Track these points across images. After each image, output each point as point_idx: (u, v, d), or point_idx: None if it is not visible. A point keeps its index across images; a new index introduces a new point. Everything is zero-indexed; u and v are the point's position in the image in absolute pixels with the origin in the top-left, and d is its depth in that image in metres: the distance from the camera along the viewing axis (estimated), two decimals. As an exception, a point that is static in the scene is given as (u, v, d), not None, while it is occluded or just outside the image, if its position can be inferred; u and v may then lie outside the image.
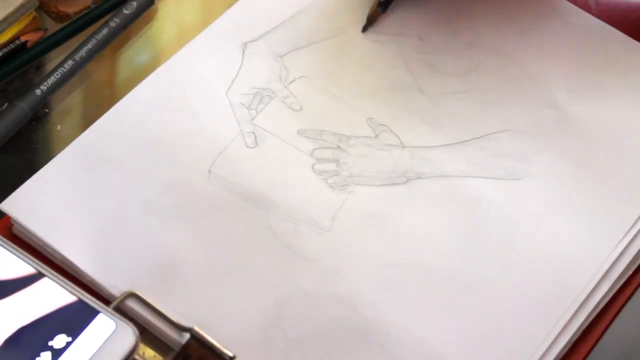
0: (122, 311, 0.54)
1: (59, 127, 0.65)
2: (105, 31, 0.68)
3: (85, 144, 0.60)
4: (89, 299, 0.53)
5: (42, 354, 0.51)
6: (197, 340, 0.54)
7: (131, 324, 0.52)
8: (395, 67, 0.66)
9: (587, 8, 0.70)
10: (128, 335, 0.52)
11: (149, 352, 0.55)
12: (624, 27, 0.69)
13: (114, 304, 0.54)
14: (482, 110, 0.64)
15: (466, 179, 0.61)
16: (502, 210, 0.60)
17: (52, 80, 0.65)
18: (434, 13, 0.68)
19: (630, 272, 0.59)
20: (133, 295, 0.55)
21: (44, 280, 0.53)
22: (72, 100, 0.66)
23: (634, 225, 0.60)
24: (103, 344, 0.51)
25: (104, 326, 0.52)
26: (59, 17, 0.69)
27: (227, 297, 0.56)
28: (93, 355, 0.51)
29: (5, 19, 0.66)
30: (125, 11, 0.68)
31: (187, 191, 0.59)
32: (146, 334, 0.55)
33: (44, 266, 0.54)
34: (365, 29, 0.67)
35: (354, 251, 0.58)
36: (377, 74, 0.66)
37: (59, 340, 0.51)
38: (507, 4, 0.70)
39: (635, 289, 0.59)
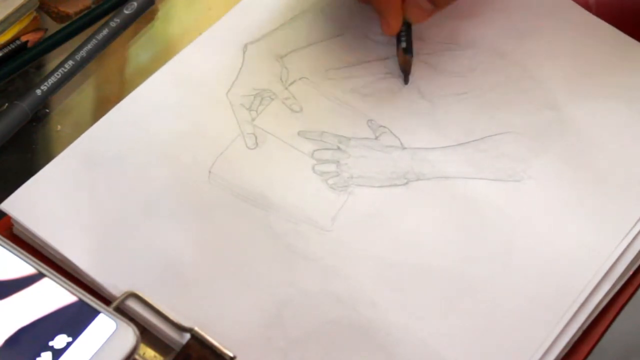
0: (122, 311, 0.54)
1: (59, 127, 0.65)
2: (105, 31, 0.68)
3: (86, 145, 0.60)
4: (90, 299, 0.53)
5: (42, 354, 0.51)
6: (197, 340, 0.54)
7: (132, 324, 0.52)
8: (396, 68, 0.66)
9: (587, 7, 0.70)
10: (128, 335, 0.52)
11: (150, 352, 0.55)
12: (624, 26, 0.69)
13: (114, 304, 0.54)
14: (482, 112, 0.65)
15: (466, 181, 0.62)
16: (502, 212, 0.60)
17: (52, 80, 0.65)
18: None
19: (630, 273, 0.59)
20: (133, 296, 0.55)
21: (45, 280, 0.53)
22: (72, 101, 0.66)
23: (634, 226, 0.60)
24: (103, 344, 0.51)
25: (105, 326, 0.52)
26: (59, 17, 0.69)
27: (228, 297, 0.56)
28: (93, 356, 0.51)
29: (6, 19, 0.66)
30: (126, 11, 0.68)
31: (187, 192, 0.59)
32: (147, 334, 0.55)
33: (45, 266, 0.54)
34: (406, 80, 0.65)
35: (354, 252, 0.58)
36: (378, 75, 0.66)
37: (60, 341, 0.51)
38: (507, 4, 0.70)
39: (636, 290, 0.59)
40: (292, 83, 0.65)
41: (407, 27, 0.66)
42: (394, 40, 0.67)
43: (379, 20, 0.66)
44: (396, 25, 0.65)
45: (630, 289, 0.59)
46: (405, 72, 0.66)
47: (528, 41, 0.68)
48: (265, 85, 0.64)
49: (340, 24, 0.68)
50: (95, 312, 0.52)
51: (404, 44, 0.66)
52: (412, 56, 0.66)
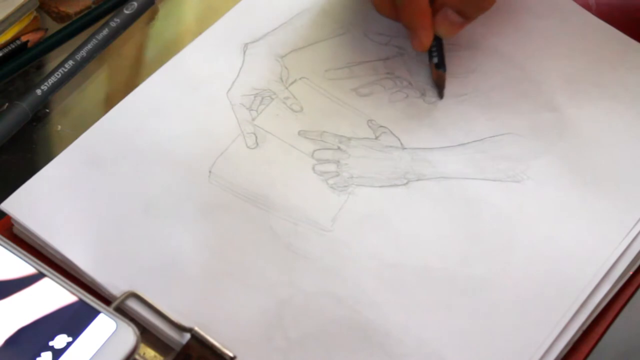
0: (122, 311, 0.54)
1: (59, 127, 0.65)
2: (105, 31, 0.68)
3: (86, 144, 0.60)
4: (90, 299, 0.53)
5: (42, 354, 0.51)
6: (197, 340, 0.54)
7: (132, 324, 0.52)
8: (396, 67, 0.66)
9: (587, 8, 0.70)
10: (129, 335, 0.52)
11: (150, 352, 0.55)
12: (624, 27, 0.69)
13: (114, 304, 0.54)
14: (482, 113, 0.65)
15: (466, 181, 0.62)
16: (502, 212, 0.60)
17: (52, 80, 0.65)
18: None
19: (630, 273, 0.59)
20: (133, 295, 0.55)
21: (45, 280, 0.53)
22: (72, 101, 0.66)
23: (634, 226, 0.60)
24: (104, 344, 0.51)
25: (105, 326, 0.52)
26: (59, 17, 0.69)
27: (228, 297, 0.56)
28: (94, 356, 0.51)
29: (6, 18, 0.66)
30: (126, 11, 0.69)
31: (187, 192, 0.59)
32: (147, 334, 0.55)
33: (45, 266, 0.54)
34: (441, 95, 0.64)
35: (354, 252, 0.58)
36: (378, 75, 0.66)
37: (60, 341, 0.51)
38: (507, 4, 0.70)
39: (636, 290, 0.59)
40: (292, 83, 0.65)
41: (437, 41, 0.65)
42: (394, 41, 0.67)
43: (409, 36, 0.65)
44: (428, 41, 0.64)
45: (630, 289, 0.59)
46: (440, 87, 0.65)
47: (528, 42, 0.68)
48: (265, 85, 0.64)
49: (340, 23, 0.68)
50: (96, 312, 0.52)
51: (435, 59, 0.65)
52: (445, 71, 0.65)
